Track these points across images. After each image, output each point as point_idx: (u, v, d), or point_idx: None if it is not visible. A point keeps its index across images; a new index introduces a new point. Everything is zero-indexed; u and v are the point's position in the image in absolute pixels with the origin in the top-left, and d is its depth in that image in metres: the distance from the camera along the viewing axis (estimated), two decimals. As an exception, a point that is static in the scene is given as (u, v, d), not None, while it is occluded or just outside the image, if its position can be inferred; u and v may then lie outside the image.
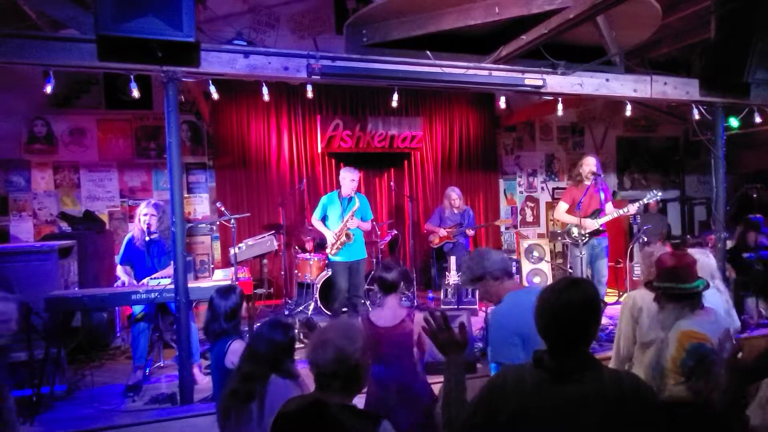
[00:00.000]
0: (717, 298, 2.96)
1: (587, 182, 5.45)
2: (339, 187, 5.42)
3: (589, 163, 5.50)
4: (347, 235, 5.18)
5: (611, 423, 1.51)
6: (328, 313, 5.80)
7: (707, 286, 2.47)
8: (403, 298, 6.97)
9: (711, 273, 2.98)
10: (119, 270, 4.48)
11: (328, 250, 5.31)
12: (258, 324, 2.89)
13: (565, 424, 1.52)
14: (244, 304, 3.04)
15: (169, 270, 4.07)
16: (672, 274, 2.44)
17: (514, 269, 2.48)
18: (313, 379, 1.75)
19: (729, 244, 5.78)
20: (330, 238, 5.25)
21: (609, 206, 5.48)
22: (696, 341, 2.28)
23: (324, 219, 5.40)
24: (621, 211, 5.41)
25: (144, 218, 4.40)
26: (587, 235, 5.38)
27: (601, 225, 5.41)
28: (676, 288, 2.41)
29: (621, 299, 6.77)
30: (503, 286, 2.43)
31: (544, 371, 1.58)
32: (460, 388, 1.73)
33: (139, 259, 4.47)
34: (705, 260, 2.99)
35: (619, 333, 2.95)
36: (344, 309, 5.68)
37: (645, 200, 5.57)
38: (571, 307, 1.57)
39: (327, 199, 5.45)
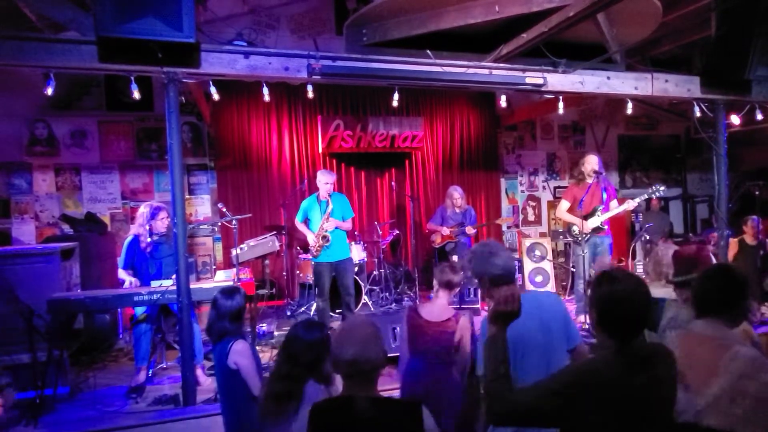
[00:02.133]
0: None
1: (589, 180, 5.45)
2: (318, 189, 5.44)
3: (591, 162, 5.49)
4: (324, 237, 5.22)
5: (672, 397, 1.71)
6: (331, 313, 5.80)
7: None
8: (406, 298, 6.97)
9: None
10: (122, 273, 4.46)
11: (311, 252, 5.36)
12: (289, 327, 2.79)
13: (648, 405, 1.63)
14: (247, 305, 3.02)
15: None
16: (691, 265, 2.39)
17: (515, 272, 2.40)
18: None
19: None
20: (311, 240, 5.32)
21: (613, 203, 5.47)
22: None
23: (307, 223, 5.45)
24: (622, 207, 5.39)
25: (164, 221, 4.41)
26: (588, 233, 5.37)
27: (603, 222, 5.39)
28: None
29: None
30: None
31: (624, 360, 1.63)
32: (506, 364, 1.73)
33: (141, 263, 4.46)
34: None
35: None
36: (338, 310, 5.70)
37: (647, 195, 5.54)
38: (635, 298, 1.66)
39: (306, 203, 5.51)
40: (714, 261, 2.68)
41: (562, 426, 1.67)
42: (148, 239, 4.40)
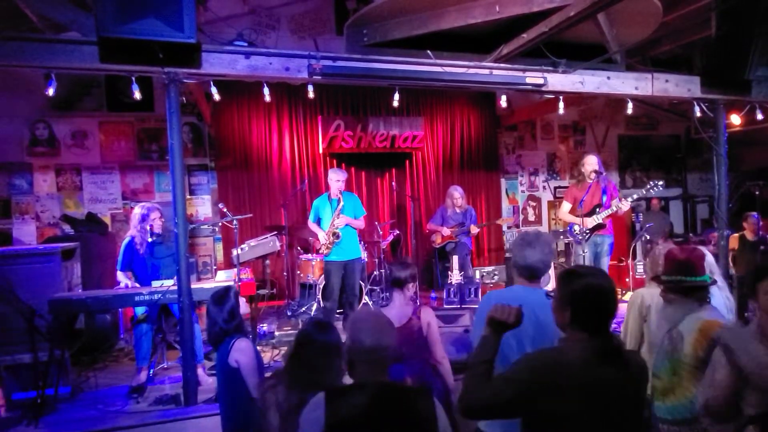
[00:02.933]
0: (717, 293, 2.96)
1: (589, 181, 5.46)
2: (329, 188, 5.45)
3: (591, 162, 5.50)
4: (334, 234, 5.23)
5: (638, 400, 1.73)
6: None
7: (713, 282, 2.45)
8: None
9: (710, 269, 2.98)
10: (120, 275, 4.46)
11: (321, 251, 5.36)
12: (290, 327, 2.63)
13: (608, 402, 1.64)
14: (248, 305, 3.00)
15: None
16: (682, 267, 2.39)
17: (544, 270, 2.40)
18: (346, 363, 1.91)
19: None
20: (322, 237, 5.32)
21: (615, 202, 5.46)
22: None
23: (319, 222, 5.47)
24: (620, 204, 5.34)
25: (158, 222, 4.41)
26: (588, 232, 5.39)
27: (603, 220, 5.40)
28: (685, 281, 2.36)
29: (624, 297, 6.76)
30: (517, 279, 2.45)
31: (594, 352, 1.66)
32: (488, 365, 1.77)
33: (141, 263, 4.46)
34: (708, 258, 2.98)
35: (624, 330, 2.93)
36: (340, 310, 5.69)
37: (645, 191, 5.52)
38: (607, 290, 1.71)
39: (318, 201, 5.53)
40: (708, 263, 2.70)
41: (522, 416, 1.71)
42: (149, 239, 4.40)
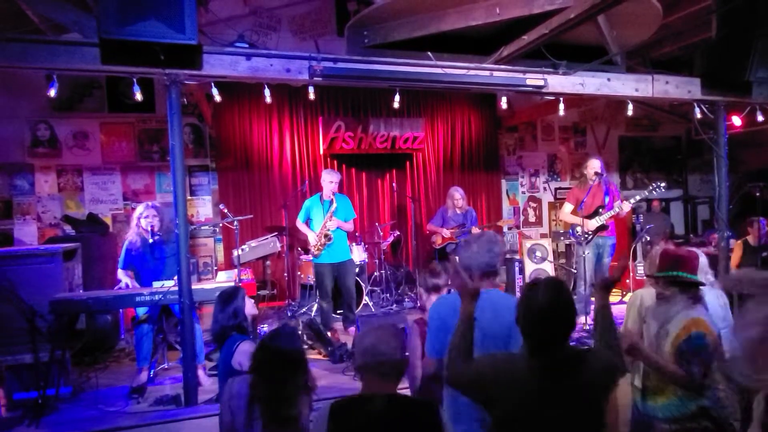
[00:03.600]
0: (708, 293, 2.98)
1: (590, 183, 5.47)
2: (321, 189, 5.44)
3: (593, 165, 5.53)
4: (326, 236, 5.23)
5: (597, 402, 1.75)
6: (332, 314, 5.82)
7: (703, 285, 2.50)
8: (407, 299, 6.97)
9: (704, 270, 3.01)
10: (120, 273, 4.48)
11: (311, 251, 5.36)
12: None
13: (559, 412, 1.68)
14: (251, 301, 3.01)
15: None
16: (676, 263, 2.45)
17: (498, 269, 2.44)
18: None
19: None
20: (312, 239, 5.31)
21: (617, 204, 5.47)
22: (702, 331, 2.30)
23: (309, 223, 5.46)
24: (622, 206, 5.37)
25: (147, 220, 4.40)
26: (590, 233, 5.40)
27: (605, 221, 5.41)
28: (679, 276, 2.41)
29: (625, 298, 6.76)
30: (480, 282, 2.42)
31: (537, 364, 1.72)
32: (467, 338, 1.88)
33: (141, 264, 4.47)
34: (702, 258, 3.01)
35: (624, 331, 2.95)
36: (339, 311, 5.71)
37: (647, 192, 5.54)
38: (559, 305, 1.71)
39: (309, 202, 5.53)
40: (701, 264, 2.74)
41: (481, 404, 1.83)
42: (150, 240, 4.40)
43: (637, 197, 5.49)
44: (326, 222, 5.25)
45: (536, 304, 1.71)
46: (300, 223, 5.54)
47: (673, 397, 2.36)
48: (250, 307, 2.95)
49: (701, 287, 2.51)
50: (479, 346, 2.07)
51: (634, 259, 6.80)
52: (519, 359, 1.79)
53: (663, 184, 5.46)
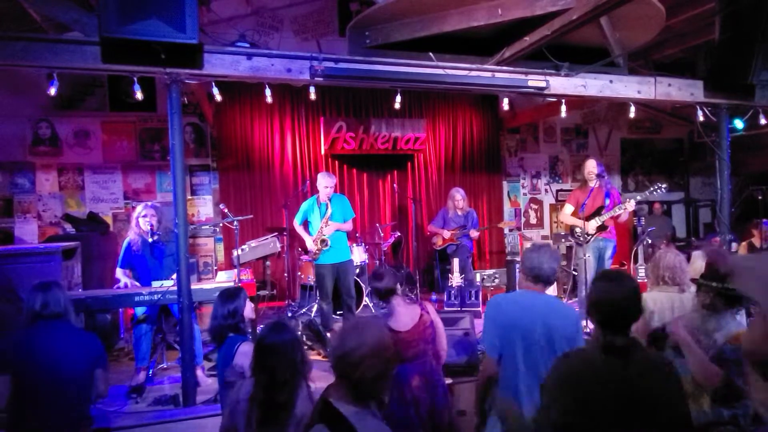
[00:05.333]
0: None
1: (591, 184, 5.45)
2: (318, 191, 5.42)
3: (588, 166, 5.52)
4: (323, 241, 5.22)
5: (666, 387, 1.81)
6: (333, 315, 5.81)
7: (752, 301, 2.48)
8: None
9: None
10: (119, 273, 4.47)
11: (310, 255, 5.35)
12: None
13: (635, 395, 1.74)
14: (251, 305, 3.02)
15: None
16: (727, 276, 2.30)
17: (548, 278, 2.55)
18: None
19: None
20: (309, 243, 5.30)
21: (618, 207, 5.45)
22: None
23: (306, 225, 5.44)
24: (624, 206, 5.34)
25: (145, 220, 4.38)
26: (590, 235, 5.38)
27: (604, 222, 5.39)
28: (733, 290, 2.28)
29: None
30: (524, 283, 2.57)
31: (610, 352, 1.79)
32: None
33: (140, 263, 4.46)
34: (702, 262, 3.00)
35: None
36: (339, 312, 5.69)
37: (647, 193, 5.51)
38: (632, 293, 1.84)
39: (306, 205, 5.49)
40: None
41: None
42: (150, 240, 4.39)
43: (638, 197, 5.46)
44: (322, 227, 5.24)
45: (617, 294, 1.82)
46: (297, 226, 5.51)
47: (705, 407, 2.28)
48: (248, 311, 2.96)
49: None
50: (548, 347, 2.32)
51: (636, 261, 6.77)
52: (592, 352, 1.85)
53: (664, 186, 5.43)
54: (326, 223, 5.25)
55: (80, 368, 2.79)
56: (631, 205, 5.36)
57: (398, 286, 3.05)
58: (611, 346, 1.78)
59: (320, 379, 2.54)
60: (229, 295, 2.90)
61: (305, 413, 2.03)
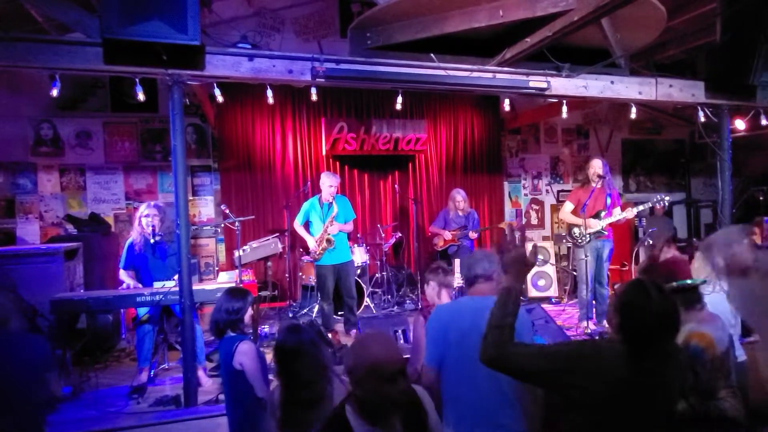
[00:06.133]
0: (722, 299, 2.97)
1: (593, 184, 5.45)
2: (320, 191, 5.41)
3: (594, 166, 5.49)
4: (328, 241, 5.21)
5: (663, 406, 1.76)
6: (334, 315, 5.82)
7: (704, 283, 2.52)
8: (407, 301, 6.96)
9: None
10: (122, 274, 4.47)
11: (311, 255, 5.33)
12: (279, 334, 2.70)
13: (627, 402, 1.72)
14: (249, 311, 3.04)
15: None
16: (670, 274, 2.48)
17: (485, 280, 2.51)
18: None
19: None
20: (311, 244, 5.27)
21: (616, 210, 5.46)
22: (702, 345, 2.27)
23: (307, 225, 5.42)
24: (623, 215, 5.37)
25: (147, 220, 4.39)
26: (589, 236, 5.38)
27: (603, 227, 5.39)
28: (679, 285, 2.41)
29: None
30: (467, 291, 2.55)
31: (621, 357, 1.72)
32: (514, 312, 1.85)
33: (142, 263, 4.47)
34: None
35: None
36: (340, 312, 5.70)
37: (650, 204, 5.54)
38: (653, 313, 1.71)
39: (308, 204, 5.47)
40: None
41: (545, 388, 1.89)
42: (151, 240, 4.40)
43: (640, 207, 5.45)
44: (327, 227, 5.23)
45: (650, 310, 1.69)
46: (298, 226, 5.49)
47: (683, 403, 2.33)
48: (248, 317, 2.98)
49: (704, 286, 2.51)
50: None
51: (636, 262, 6.77)
52: (609, 352, 1.76)
53: (668, 198, 5.49)
54: (331, 223, 5.25)
55: (25, 375, 2.59)
56: (631, 213, 5.37)
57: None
58: (636, 357, 1.72)
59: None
60: (238, 293, 2.95)
61: None
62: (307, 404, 2.14)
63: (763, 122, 5.45)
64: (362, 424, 1.70)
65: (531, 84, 4.62)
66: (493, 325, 1.82)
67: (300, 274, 6.64)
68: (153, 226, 4.39)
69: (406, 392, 1.79)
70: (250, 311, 2.99)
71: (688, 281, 2.45)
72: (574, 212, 5.57)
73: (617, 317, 1.75)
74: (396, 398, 1.72)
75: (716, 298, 2.99)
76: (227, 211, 5.44)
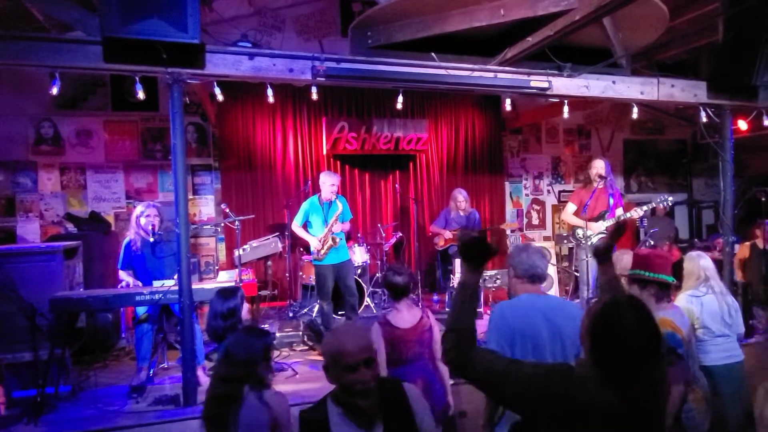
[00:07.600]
0: (711, 299, 2.99)
1: (595, 185, 5.43)
2: (319, 191, 5.38)
3: (597, 166, 5.47)
4: (333, 239, 5.18)
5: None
6: (334, 315, 5.80)
7: (679, 287, 2.72)
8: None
9: (705, 274, 3.04)
10: (122, 274, 4.47)
11: (313, 256, 5.30)
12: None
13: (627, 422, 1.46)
14: (247, 306, 3.03)
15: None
16: (640, 263, 2.63)
17: (543, 276, 2.48)
18: None
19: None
20: (315, 243, 5.22)
21: (618, 211, 5.43)
22: (670, 330, 2.41)
23: (306, 225, 5.39)
24: (629, 214, 5.35)
25: (146, 219, 4.39)
26: (591, 237, 5.37)
27: (606, 228, 5.37)
28: (641, 274, 2.60)
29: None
30: (521, 287, 2.46)
31: (611, 393, 1.46)
32: (472, 312, 1.69)
33: (140, 263, 4.46)
34: (698, 261, 3.07)
35: None
36: (341, 312, 5.68)
37: (653, 204, 5.51)
38: (652, 334, 1.48)
39: (308, 204, 5.40)
40: (703, 267, 2.85)
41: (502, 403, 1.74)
42: (150, 239, 4.39)
43: (644, 208, 5.41)
44: (332, 225, 5.20)
45: (622, 332, 1.42)
46: (298, 227, 5.42)
47: None
48: (245, 312, 2.97)
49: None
50: (557, 349, 2.24)
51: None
52: (580, 380, 1.49)
53: (671, 199, 5.47)
54: (336, 221, 5.23)
55: None
56: (637, 214, 5.36)
57: (411, 287, 3.07)
58: (620, 396, 1.44)
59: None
60: (228, 293, 2.93)
61: (251, 422, 2.04)
62: (223, 400, 2.11)
63: (766, 123, 5.42)
64: (338, 413, 1.76)
65: (532, 84, 4.60)
66: (449, 328, 1.64)
67: (300, 273, 6.63)
68: (153, 225, 4.38)
69: (367, 383, 1.73)
70: (246, 306, 2.98)
71: (648, 274, 2.57)
72: (576, 213, 5.55)
73: (588, 340, 1.49)
74: (357, 389, 1.71)
75: (710, 299, 3.02)
76: (227, 210, 5.43)
